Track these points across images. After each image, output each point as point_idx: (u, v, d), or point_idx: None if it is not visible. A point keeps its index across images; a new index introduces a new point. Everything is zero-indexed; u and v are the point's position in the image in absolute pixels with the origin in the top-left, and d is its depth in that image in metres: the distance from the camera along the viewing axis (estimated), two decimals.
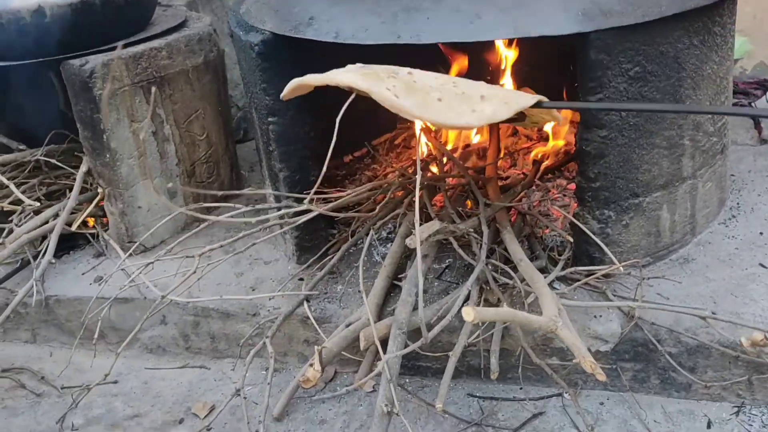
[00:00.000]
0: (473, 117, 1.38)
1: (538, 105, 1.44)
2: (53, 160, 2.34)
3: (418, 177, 1.41)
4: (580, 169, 1.77)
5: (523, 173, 2.35)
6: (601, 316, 1.73)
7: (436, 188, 2.22)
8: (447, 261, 2.03)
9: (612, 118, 1.67)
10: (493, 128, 2.37)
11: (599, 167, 1.72)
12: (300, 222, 1.77)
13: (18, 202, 2.34)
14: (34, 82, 2.29)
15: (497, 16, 1.58)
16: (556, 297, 1.55)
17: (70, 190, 2.27)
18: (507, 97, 1.44)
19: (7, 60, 2.17)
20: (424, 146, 2.44)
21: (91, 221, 2.37)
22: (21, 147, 2.50)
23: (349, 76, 1.45)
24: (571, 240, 1.86)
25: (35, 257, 2.16)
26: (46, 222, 2.22)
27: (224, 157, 2.51)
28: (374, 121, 2.48)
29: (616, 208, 1.77)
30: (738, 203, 2.12)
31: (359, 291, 1.97)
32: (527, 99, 1.46)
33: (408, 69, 1.50)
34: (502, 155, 2.41)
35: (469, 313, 1.11)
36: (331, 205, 1.81)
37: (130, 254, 1.99)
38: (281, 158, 1.99)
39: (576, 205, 1.90)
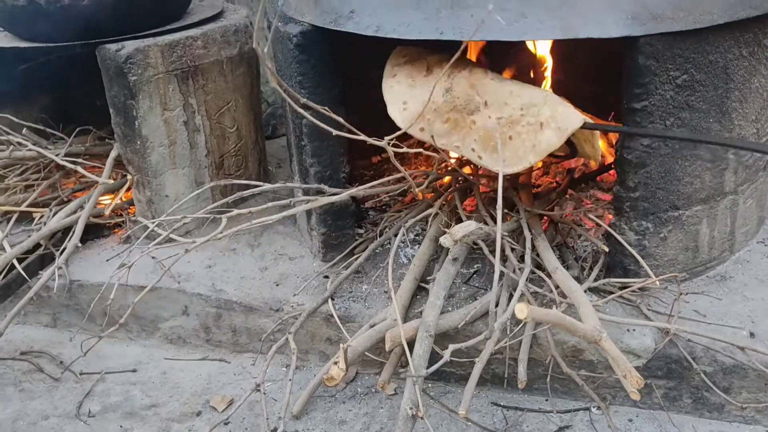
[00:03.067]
0: (533, 155, 1.57)
1: (583, 126, 1.51)
2: (79, 159, 2.26)
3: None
4: (619, 177, 1.73)
5: (556, 182, 2.30)
6: (634, 330, 1.68)
7: (467, 191, 2.19)
8: (475, 266, 1.99)
9: (656, 126, 1.62)
10: None
11: (640, 176, 1.68)
12: (333, 200, 1.76)
13: (44, 204, 2.33)
14: (81, 68, 2.26)
15: (543, 15, 1.54)
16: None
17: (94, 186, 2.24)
18: (556, 116, 1.50)
19: (43, 42, 2.17)
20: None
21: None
22: (53, 137, 2.51)
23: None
24: (606, 250, 1.81)
25: (61, 242, 2.15)
26: (74, 212, 2.21)
27: (253, 151, 2.49)
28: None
29: (654, 219, 1.72)
30: None
31: (385, 291, 1.94)
32: (574, 119, 1.56)
33: (486, 88, 1.66)
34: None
35: (522, 310, 1.07)
36: (364, 186, 1.81)
37: (155, 241, 1.97)
38: (313, 153, 1.96)
39: (611, 216, 1.85)
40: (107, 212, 2.20)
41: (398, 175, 2.21)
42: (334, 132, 1.73)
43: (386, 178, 2.04)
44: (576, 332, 1.41)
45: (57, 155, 2.27)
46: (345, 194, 1.87)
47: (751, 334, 1.64)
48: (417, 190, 1.93)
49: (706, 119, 1.67)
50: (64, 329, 2.21)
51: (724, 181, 1.78)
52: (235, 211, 1.79)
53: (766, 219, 2.06)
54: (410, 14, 1.63)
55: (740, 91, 1.70)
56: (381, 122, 1.78)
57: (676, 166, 1.68)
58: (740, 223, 1.88)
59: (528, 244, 1.78)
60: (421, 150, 1.84)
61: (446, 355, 1.40)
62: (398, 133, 1.69)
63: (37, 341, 2.16)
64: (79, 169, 2.15)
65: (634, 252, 1.72)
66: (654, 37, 1.52)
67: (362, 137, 1.70)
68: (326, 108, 1.75)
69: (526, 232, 1.83)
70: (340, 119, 1.73)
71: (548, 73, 2.29)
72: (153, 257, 1.93)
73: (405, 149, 1.72)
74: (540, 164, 2.38)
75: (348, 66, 1.96)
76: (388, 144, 1.67)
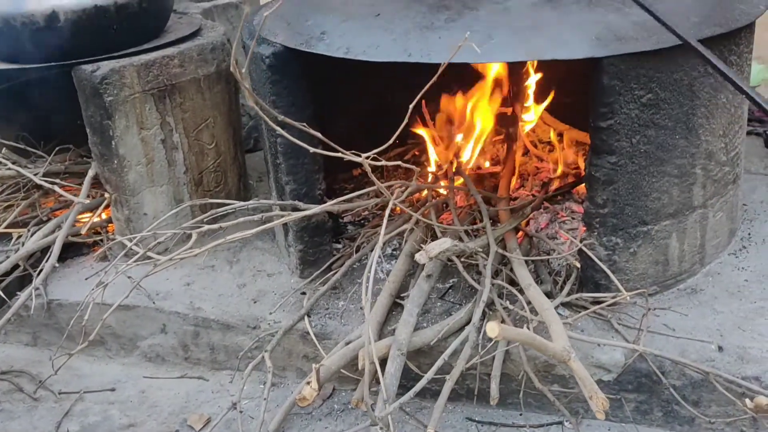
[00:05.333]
0: None
1: None
2: (57, 180, 2.24)
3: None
4: (588, 194, 1.75)
5: (532, 194, 2.33)
6: (604, 344, 1.70)
7: (443, 206, 2.21)
8: (450, 281, 2.01)
9: (622, 144, 1.65)
10: (510, 148, 2.36)
11: (608, 193, 1.70)
12: (306, 215, 1.77)
13: (24, 223, 2.33)
14: (60, 88, 2.26)
15: (510, 38, 1.57)
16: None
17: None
18: None
19: (20, 63, 2.18)
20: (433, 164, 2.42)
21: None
22: (33, 155, 2.51)
23: None
24: (578, 266, 1.83)
25: (40, 261, 2.16)
26: (52, 232, 2.21)
27: (232, 166, 2.51)
28: (384, 136, 2.48)
29: (623, 235, 1.75)
30: (749, 234, 2.09)
31: (361, 308, 1.95)
32: None
33: None
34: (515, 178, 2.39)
35: (494, 329, 1.09)
36: (338, 200, 1.82)
37: (132, 261, 1.98)
38: (288, 171, 1.98)
39: (584, 229, 1.87)
40: (84, 231, 2.20)
41: (375, 187, 2.24)
42: (311, 150, 1.73)
43: (363, 191, 2.05)
44: (546, 352, 1.43)
45: (35, 174, 2.27)
46: (318, 209, 1.87)
47: (720, 348, 1.67)
48: (395, 201, 1.93)
49: (672, 136, 1.69)
50: (44, 348, 2.21)
51: (693, 196, 1.80)
52: (205, 227, 1.80)
53: (738, 231, 2.09)
54: (380, 36, 1.65)
55: (706, 107, 1.72)
56: (357, 138, 1.80)
57: (643, 182, 1.70)
58: (710, 236, 1.91)
59: (491, 260, 1.80)
60: (399, 163, 1.85)
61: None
62: (378, 149, 1.69)
63: (18, 360, 2.16)
64: (57, 188, 2.16)
65: (604, 267, 1.74)
66: (617, 57, 1.55)
67: (340, 153, 1.70)
68: (304, 124, 1.76)
69: (493, 247, 1.84)
70: (318, 134, 1.73)
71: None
72: (129, 276, 1.93)
73: (384, 162, 1.73)
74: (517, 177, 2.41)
75: (324, 83, 1.98)
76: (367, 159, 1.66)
